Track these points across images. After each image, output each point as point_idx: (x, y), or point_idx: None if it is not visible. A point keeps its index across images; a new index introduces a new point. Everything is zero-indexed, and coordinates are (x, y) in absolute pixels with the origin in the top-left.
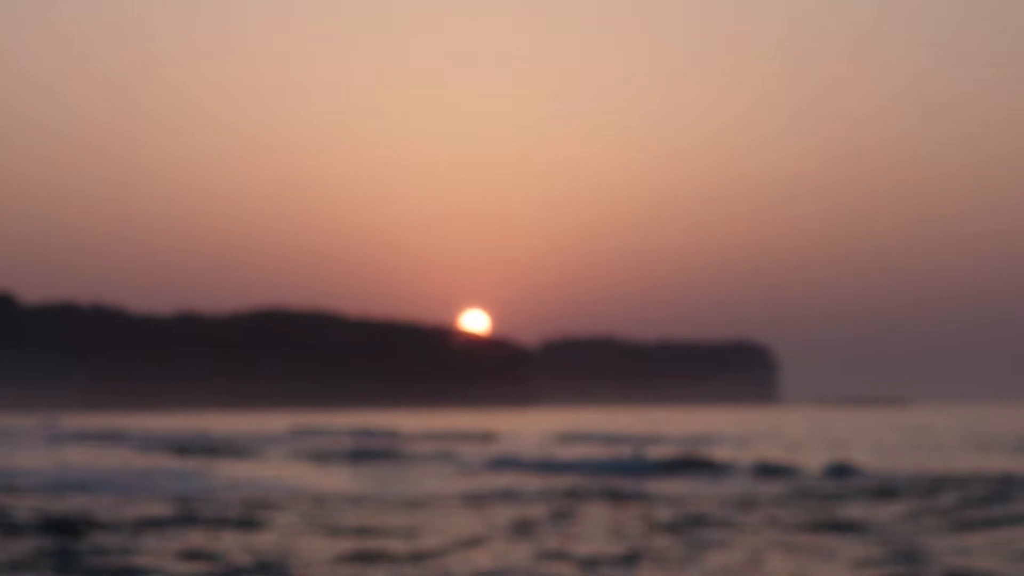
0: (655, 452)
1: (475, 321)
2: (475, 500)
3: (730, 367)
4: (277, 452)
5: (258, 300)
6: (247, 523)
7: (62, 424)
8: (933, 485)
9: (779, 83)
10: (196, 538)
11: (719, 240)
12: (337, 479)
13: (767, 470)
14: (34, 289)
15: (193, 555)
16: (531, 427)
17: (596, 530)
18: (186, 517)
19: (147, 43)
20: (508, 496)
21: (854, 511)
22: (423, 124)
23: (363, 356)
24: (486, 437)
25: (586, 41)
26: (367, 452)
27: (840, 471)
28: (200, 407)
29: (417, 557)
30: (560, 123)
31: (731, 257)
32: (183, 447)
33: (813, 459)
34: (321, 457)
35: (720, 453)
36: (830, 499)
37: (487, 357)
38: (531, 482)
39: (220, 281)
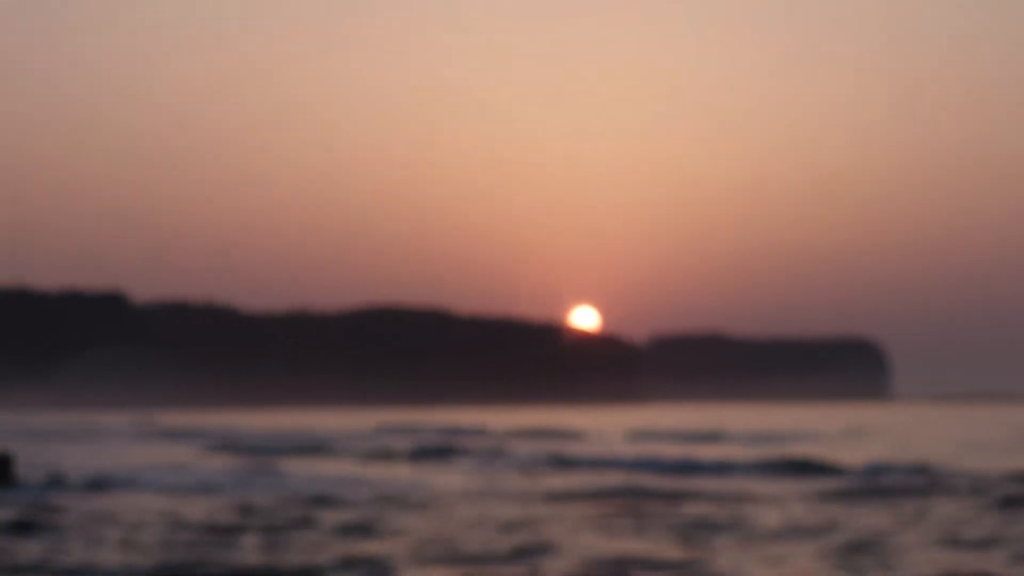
0: (720, 451)
1: (584, 318)
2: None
3: (842, 364)
4: (345, 450)
5: (370, 298)
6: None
7: (157, 421)
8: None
9: (886, 75)
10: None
11: (830, 235)
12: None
13: (799, 467)
14: (146, 288)
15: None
16: (625, 424)
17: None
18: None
19: (262, 44)
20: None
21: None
22: (533, 122)
23: (473, 353)
24: (568, 435)
25: (697, 37)
26: (426, 450)
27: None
28: (309, 404)
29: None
30: (670, 120)
31: (842, 252)
32: (248, 447)
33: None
34: (379, 455)
35: (796, 450)
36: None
37: (596, 354)
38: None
39: (332, 279)
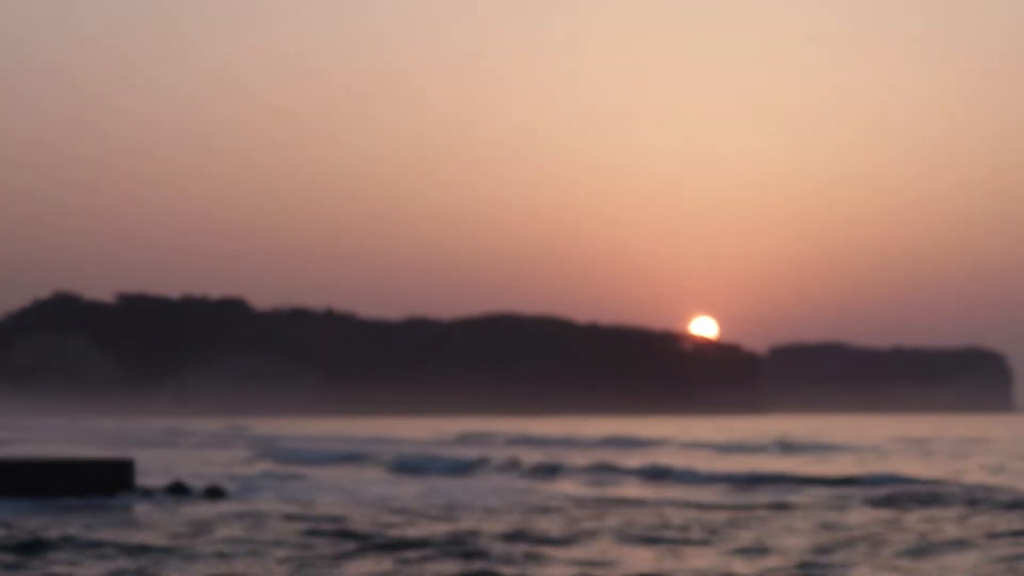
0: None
1: (704, 328)
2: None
3: (964, 375)
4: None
5: (489, 307)
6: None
7: (251, 429)
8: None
9: (1006, 85)
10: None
11: (954, 244)
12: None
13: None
14: (267, 295)
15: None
16: (730, 433)
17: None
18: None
19: (370, 62)
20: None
21: None
22: (653, 134)
23: (593, 362)
24: (636, 443)
25: (807, 47)
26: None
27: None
28: (430, 412)
29: None
30: (790, 129)
31: (966, 262)
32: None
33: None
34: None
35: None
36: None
37: (716, 363)
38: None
39: (452, 288)
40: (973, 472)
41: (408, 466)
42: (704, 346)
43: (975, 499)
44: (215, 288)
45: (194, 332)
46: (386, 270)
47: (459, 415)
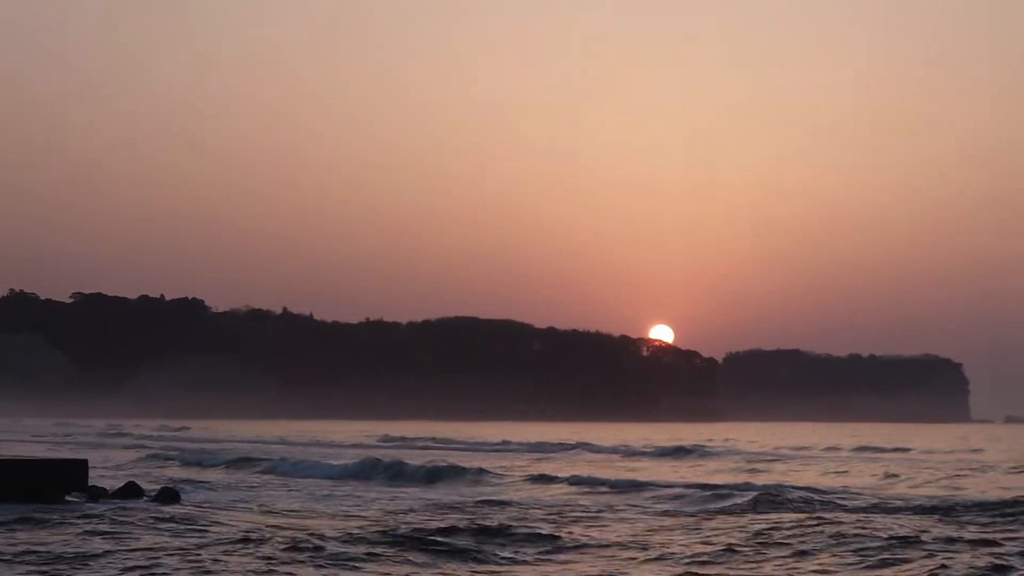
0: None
1: (662, 334)
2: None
3: (920, 384)
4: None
5: (449, 311)
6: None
7: (191, 431)
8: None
9: (975, 106)
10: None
11: (911, 254)
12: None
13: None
14: (224, 297)
15: None
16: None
17: None
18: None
19: (332, 72)
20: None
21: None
22: (613, 144)
23: (551, 367)
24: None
25: (763, 54)
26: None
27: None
28: (386, 415)
29: None
30: (748, 143)
31: (924, 271)
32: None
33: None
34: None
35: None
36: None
37: (674, 369)
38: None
39: (410, 292)
40: (810, 478)
41: (282, 470)
42: (662, 352)
43: (763, 500)
44: (172, 289)
45: (151, 333)
46: (344, 272)
47: (414, 418)
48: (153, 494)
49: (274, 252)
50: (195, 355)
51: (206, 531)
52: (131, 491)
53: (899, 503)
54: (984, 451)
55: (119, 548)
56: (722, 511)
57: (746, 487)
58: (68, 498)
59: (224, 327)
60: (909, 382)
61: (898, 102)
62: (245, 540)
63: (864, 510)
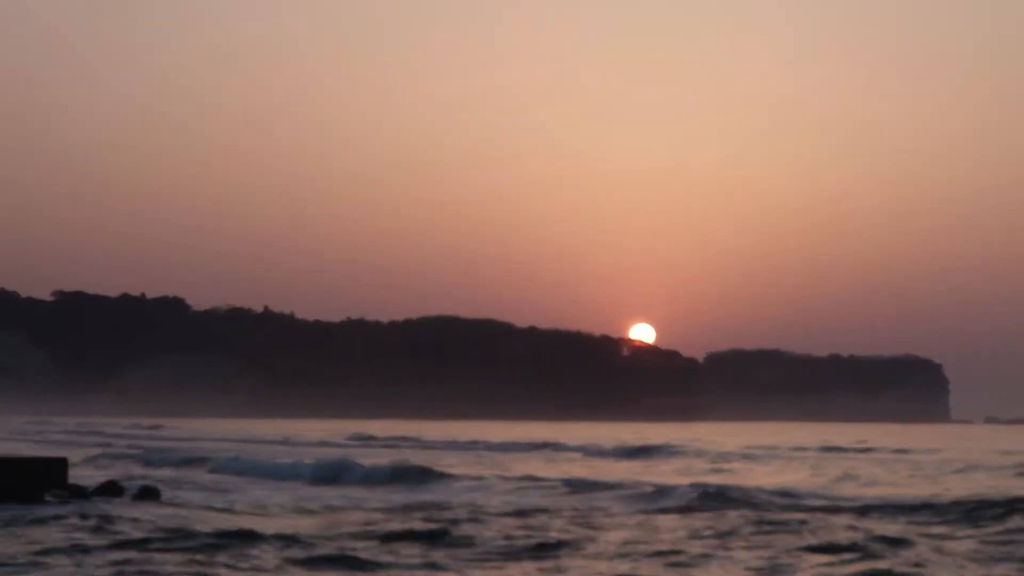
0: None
1: (642, 334)
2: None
3: (900, 384)
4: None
5: (428, 311)
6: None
7: (163, 429)
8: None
9: (958, 100)
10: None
11: (890, 255)
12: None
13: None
14: (206, 295)
15: None
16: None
17: None
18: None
19: (317, 59)
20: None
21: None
22: (593, 142)
23: (532, 366)
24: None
25: (759, 54)
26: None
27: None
28: (365, 414)
29: None
30: (731, 141)
31: (904, 272)
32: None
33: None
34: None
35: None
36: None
37: (654, 369)
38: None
39: (391, 290)
40: (759, 478)
41: (234, 469)
42: (642, 352)
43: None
44: (153, 287)
45: (132, 331)
46: (325, 271)
47: (395, 417)
48: (134, 492)
49: (256, 249)
50: (176, 354)
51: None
52: (111, 489)
53: (845, 503)
54: (945, 451)
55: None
56: (662, 510)
57: (691, 488)
58: (48, 497)
59: (205, 326)
60: (889, 382)
61: (881, 100)
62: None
63: (800, 508)
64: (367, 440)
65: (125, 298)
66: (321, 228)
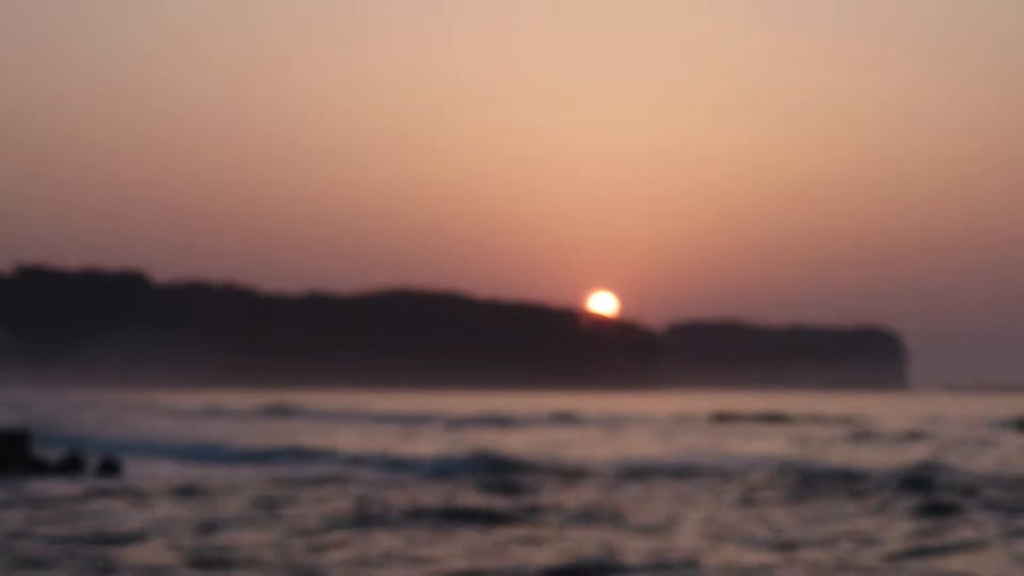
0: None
1: (603, 304)
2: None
3: (859, 353)
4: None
5: (387, 282)
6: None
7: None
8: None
9: (914, 73)
10: None
11: (849, 225)
12: None
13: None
14: (166, 268)
15: None
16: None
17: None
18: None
19: (280, 35)
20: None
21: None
22: (554, 111)
23: (492, 337)
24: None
25: (717, 27)
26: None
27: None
28: (328, 385)
29: None
30: (689, 110)
31: (861, 242)
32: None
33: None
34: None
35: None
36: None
37: (614, 339)
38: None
39: (352, 262)
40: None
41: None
42: (602, 323)
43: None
44: (114, 260)
45: (92, 305)
46: (286, 243)
47: (355, 388)
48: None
49: (217, 224)
50: (137, 327)
51: None
52: (73, 464)
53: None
54: (875, 419)
55: None
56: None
57: (470, 455)
58: (7, 473)
59: (165, 299)
60: (849, 351)
61: (840, 72)
62: None
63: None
64: (282, 414)
65: (86, 271)
66: (282, 200)
